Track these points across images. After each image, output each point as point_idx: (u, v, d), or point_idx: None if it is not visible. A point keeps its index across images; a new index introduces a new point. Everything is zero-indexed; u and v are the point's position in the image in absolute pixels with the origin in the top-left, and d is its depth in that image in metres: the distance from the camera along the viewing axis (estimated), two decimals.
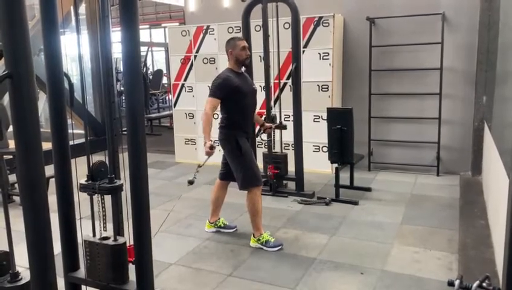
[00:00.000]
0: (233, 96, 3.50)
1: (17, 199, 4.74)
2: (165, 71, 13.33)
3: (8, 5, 1.52)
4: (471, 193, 4.80)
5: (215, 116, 5.99)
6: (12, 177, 4.88)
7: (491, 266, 3.04)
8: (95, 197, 2.11)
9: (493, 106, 4.74)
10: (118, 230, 2.17)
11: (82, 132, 5.85)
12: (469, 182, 5.21)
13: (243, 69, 3.69)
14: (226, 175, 3.75)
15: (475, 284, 2.32)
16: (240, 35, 5.08)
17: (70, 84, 2.15)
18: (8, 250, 1.75)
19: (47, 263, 1.72)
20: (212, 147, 3.32)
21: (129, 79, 1.89)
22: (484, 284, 2.31)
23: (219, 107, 3.63)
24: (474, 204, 4.40)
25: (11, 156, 4.72)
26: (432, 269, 3.15)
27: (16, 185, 4.93)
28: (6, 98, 5.89)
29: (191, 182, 3.35)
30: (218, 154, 3.66)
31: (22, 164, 1.62)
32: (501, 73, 4.20)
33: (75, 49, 2.31)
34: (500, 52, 4.44)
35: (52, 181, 2.15)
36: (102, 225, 2.14)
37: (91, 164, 2.09)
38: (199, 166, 3.37)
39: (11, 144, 4.55)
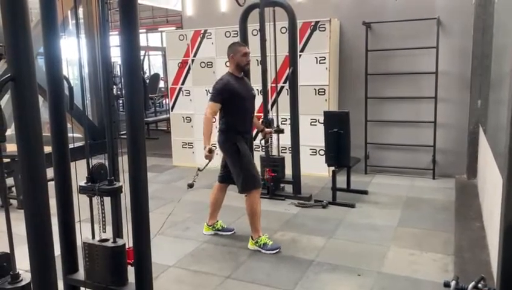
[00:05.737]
0: (233, 100, 3.53)
1: (14, 202, 4.74)
2: (161, 75, 13.34)
3: (11, 8, 1.54)
4: (466, 196, 4.84)
5: (213, 119, 6.04)
6: (10, 181, 4.87)
7: (487, 267, 3.07)
8: (95, 199, 2.12)
9: (488, 110, 4.78)
10: (118, 232, 2.19)
11: (80, 135, 5.83)
12: (464, 185, 5.25)
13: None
14: (225, 178, 3.77)
15: (470, 285, 2.34)
16: (237, 39, 5.11)
17: (70, 88, 2.16)
18: (8, 251, 1.75)
19: (48, 265, 1.73)
20: (211, 151, 3.35)
21: (129, 83, 1.91)
22: (479, 285, 2.33)
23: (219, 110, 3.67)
24: (470, 206, 4.43)
25: (8, 160, 4.71)
26: (428, 271, 3.17)
27: (13, 189, 4.93)
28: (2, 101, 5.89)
29: (190, 186, 3.38)
30: (217, 157, 3.68)
31: (24, 166, 1.64)
32: (495, 77, 4.25)
33: (72, 53, 2.33)
34: (494, 56, 4.49)
35: (51, 184, 2.16)
36: (101, 227, 2.16)
37: (91, 166, 2.11)
38: (199, 170, 3.39)
39: (9, 148, 4.55)
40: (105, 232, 2.17)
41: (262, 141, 4.71)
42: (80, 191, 2.12)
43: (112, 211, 2.19)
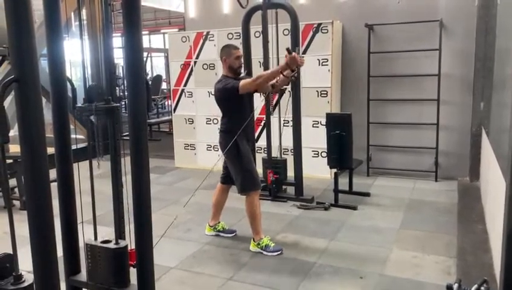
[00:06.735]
0: (232, 101, 3.54)
1: (16, 203, 4.75)
2: (164, 77, 13.36)
3: (14, 10, 1.55)
4: (469, 198, 4.82)
5: (215, 121, 6.06)
6: (12, 182, 4.88)
7: (489, 270, 3.06)
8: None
9: (490, 112, 4.77)
10: (120, 233, 2.19)
11: (83, 137, 5.85)
12: (467, 187, 5.23)
13: (244, 73, 3.75)
14: (227, 179, 3.78)
15: (473, 288, 2.33)
16: (239, 41, 5.12)
17: (73, 89, 2.17)
18: (11, 252, 1.76)
19: (51, 266, 1.73)
20: (289, 51, 3.23)
21: (132, 84, 1.91)
22: (482, 288, 2.32)
23: (220, 111, 3.68)
24: (472, 209, 4.42)
25: (11, 161, 4.72)
26: (430, 274, 3.16)
27: (16, 190, 4.94)
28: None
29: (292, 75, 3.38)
30: (219, 158, 3.68)
31: (27, 167, 1.64)
32: (498, 79, 4.24)
33: (75, 54, 2.34)
34: (497, 58, 4.48)
35: (54, 185, 2.16)
36: (98, 153, 2.16)
37: (87, 86, 2.08)
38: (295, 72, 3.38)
39: (12, 149, 4.56)
40: (102, 158, 2.18)
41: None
42: (77, 113, 2.09)
43: (109, 131, 2.13)
